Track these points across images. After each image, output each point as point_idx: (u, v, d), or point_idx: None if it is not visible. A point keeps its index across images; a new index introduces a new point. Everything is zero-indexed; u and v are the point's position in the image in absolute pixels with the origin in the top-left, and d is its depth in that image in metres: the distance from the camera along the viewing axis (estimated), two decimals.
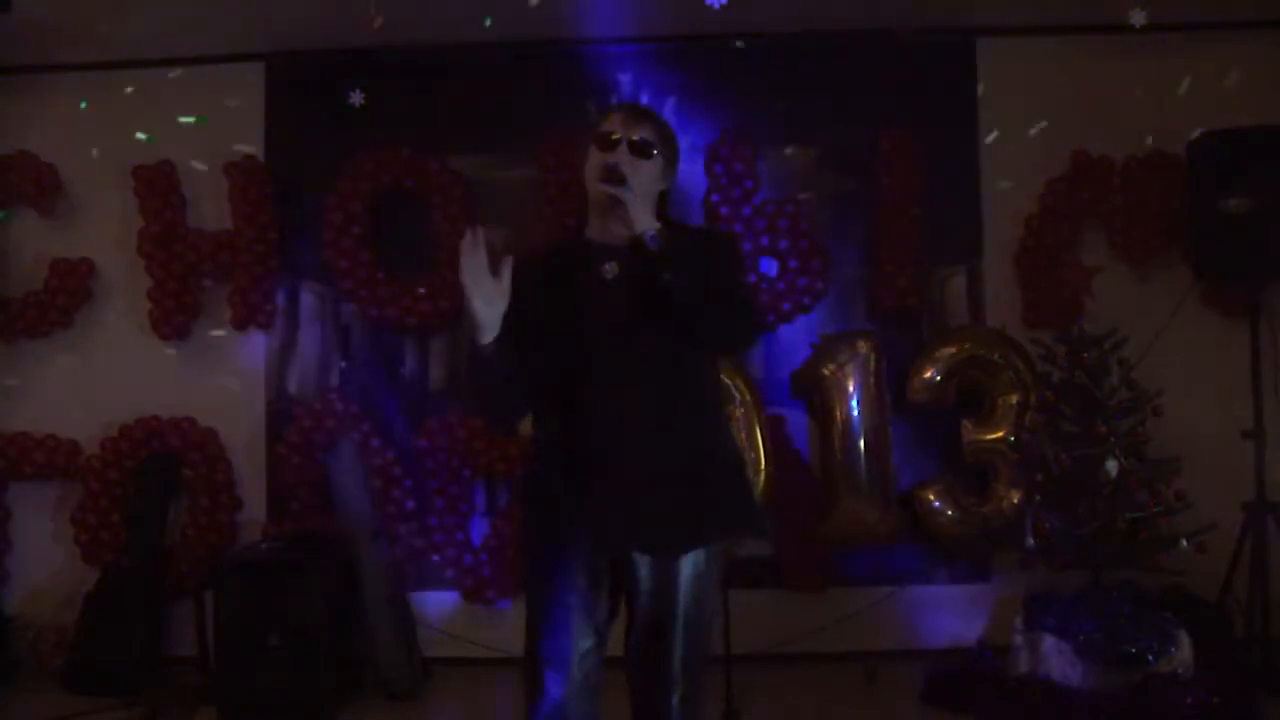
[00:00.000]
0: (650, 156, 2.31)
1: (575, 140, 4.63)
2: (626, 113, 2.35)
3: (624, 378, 2.24)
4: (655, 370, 2.25)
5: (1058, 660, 3.79)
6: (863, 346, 4.48)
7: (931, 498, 4.48)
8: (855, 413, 4.44)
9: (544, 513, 2.33)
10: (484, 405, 2.57)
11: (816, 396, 4.53)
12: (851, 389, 4.45)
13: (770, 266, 4.65)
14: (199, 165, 4.77)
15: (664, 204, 2.39)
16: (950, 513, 4.46)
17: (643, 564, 2.28)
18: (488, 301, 2.17)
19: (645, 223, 2.20)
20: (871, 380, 4.46)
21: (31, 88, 4.82)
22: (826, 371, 4.47)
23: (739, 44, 4.69)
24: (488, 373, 2.25)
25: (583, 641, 2.29)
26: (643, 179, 2.28)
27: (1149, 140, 4.59)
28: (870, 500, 4.45)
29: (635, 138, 2.30)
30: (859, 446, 4.44)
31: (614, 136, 2.29)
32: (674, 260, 2.18)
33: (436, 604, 4.63)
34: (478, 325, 2.18)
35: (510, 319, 2.22)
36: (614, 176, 2.23)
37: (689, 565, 2.28)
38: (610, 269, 2.30)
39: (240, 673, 3.96)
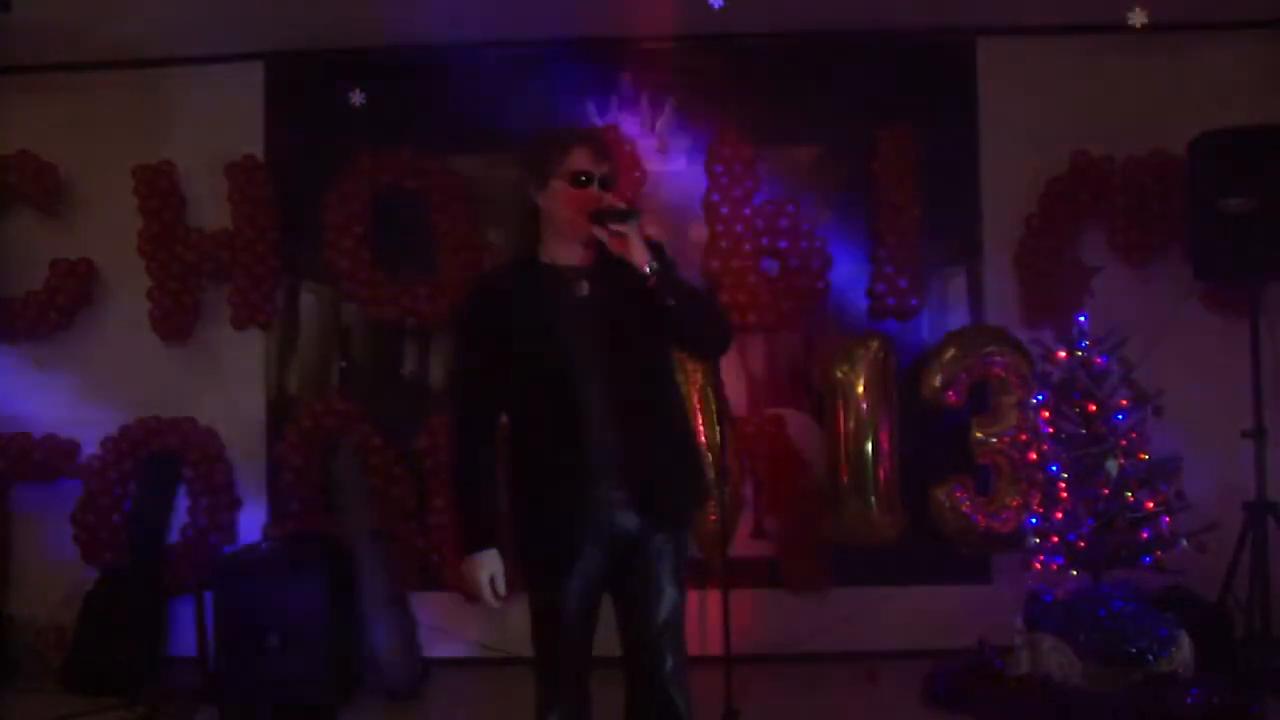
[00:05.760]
0: (614, 189, 2.50)
1: None
2: (593, 148, 2.49)
3: (606, 386, 2.42)
4: (632, 375, 2.45)
5: (1058, 660, 3.79)
6: (875, 347, 4.48)
7: (943, 498, 4.48)
8: (866, 414, 4.44)
9: (547, 522, 2.46)
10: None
11: (827, 397, 4.54)
12: (863, 390, 4.44)
13: (770, 266, 4.66)
14: (199, 165, 4.77)
15: None
16: (960, 512, 4.45)
17: (633, 549, 2.47)
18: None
19: (644, 253, 2.38)
20: (882, 381, 4.46)
21: (31, 88, 4.82)
22: (840, 373, 4.47)
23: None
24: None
25: (588, 644, 2.51)
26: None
27: (1149, 140, 4.59)
28: (878, 501, 4.45)
29: (605, 173, 2.47)
30: (868, 448, 4.44)
31: (588, 175, 2.45)
32: (671, 283, 2.40)
33: (436, 604, 4.63)
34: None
35: (485, 348, 2.47)
36: (620, 214, 2.40)
37: (670, 546, 2.52)
38: (582, 288, 2.47)
39: (240, 673, 3.96)
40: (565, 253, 2.50)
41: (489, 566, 2.46)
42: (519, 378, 2.46)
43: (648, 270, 2.38)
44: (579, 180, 2.44)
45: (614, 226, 2.40)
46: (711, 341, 2.61)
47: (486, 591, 2.46)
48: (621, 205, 2.45)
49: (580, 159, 2.45)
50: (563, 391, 2.41)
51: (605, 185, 2.47)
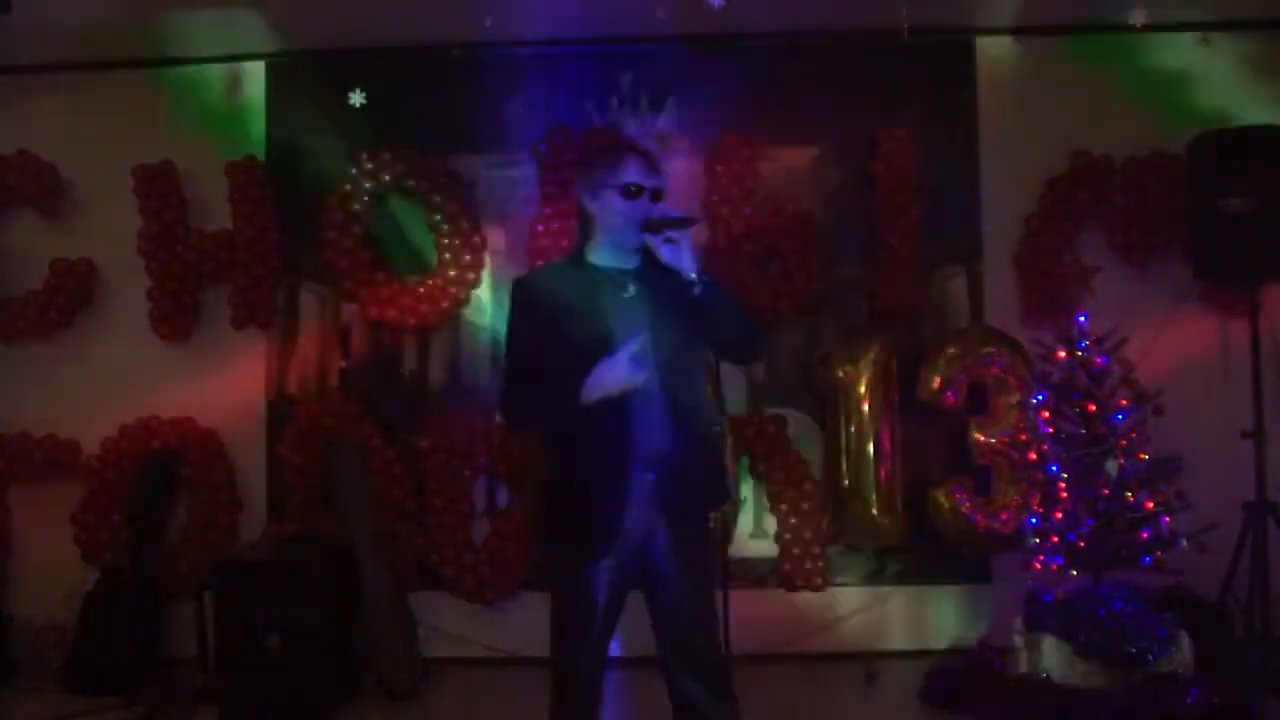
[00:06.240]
0: (662, 201, 2.64)
1: (575, 140, 4.64)
2: (645, 162, 2.64)
3: (650, 384, 2.52)
4: (670, 375, 2.57)
5: (1058, 660, 3.79)
6: (876, 347, 4.48)
7: (942, 499, 4.48)
8: (866, 414, 4.44)
9: (584, 509, 2.54)
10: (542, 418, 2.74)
11: (829, 397, 4.53)
12: (864, 390, 4.45)
13: (770, 267, 4.65)
14: (199, 165, 4.76)
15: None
16: (960, 513, 4.45)
17: (667, 538, 2.59)
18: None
19: (693, 261, 2.55)
20: (883, 381, 4.46)
21: (31, 88, 4.82)
22: (840, 373, 4.47)
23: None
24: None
25: (607, 644, 2.61)
26: None
27: (1149, 140, 4.59)
28: (879, 501, 4.45)
29: (656, 186, 2.62)
30: (869, 448, 4.44)
31: (639, 187, 2.59)
32: (716, 290, 2.56)
33: (436, 604, 4.63)
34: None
35: (533, 339, 2.58)
36: (678, 221, 2.56)
37: (697, 542, 2.67)
38: (629, 290, 2.60)
39: (240, 673, 3.96)
40: (614, 257, 2.65)
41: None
42: (563, 371, 2.53)
43: (695, 277, 2.52)
44: (630, 191, 2.59)
45: (670, 234, 2.54)
46: (746, 348, 2.76)
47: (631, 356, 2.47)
48: (677, 213, 2.60)
49: (633, 171, 2.60)
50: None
51: (655, 198, 2.61)
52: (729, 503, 2.95)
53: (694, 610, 2.64)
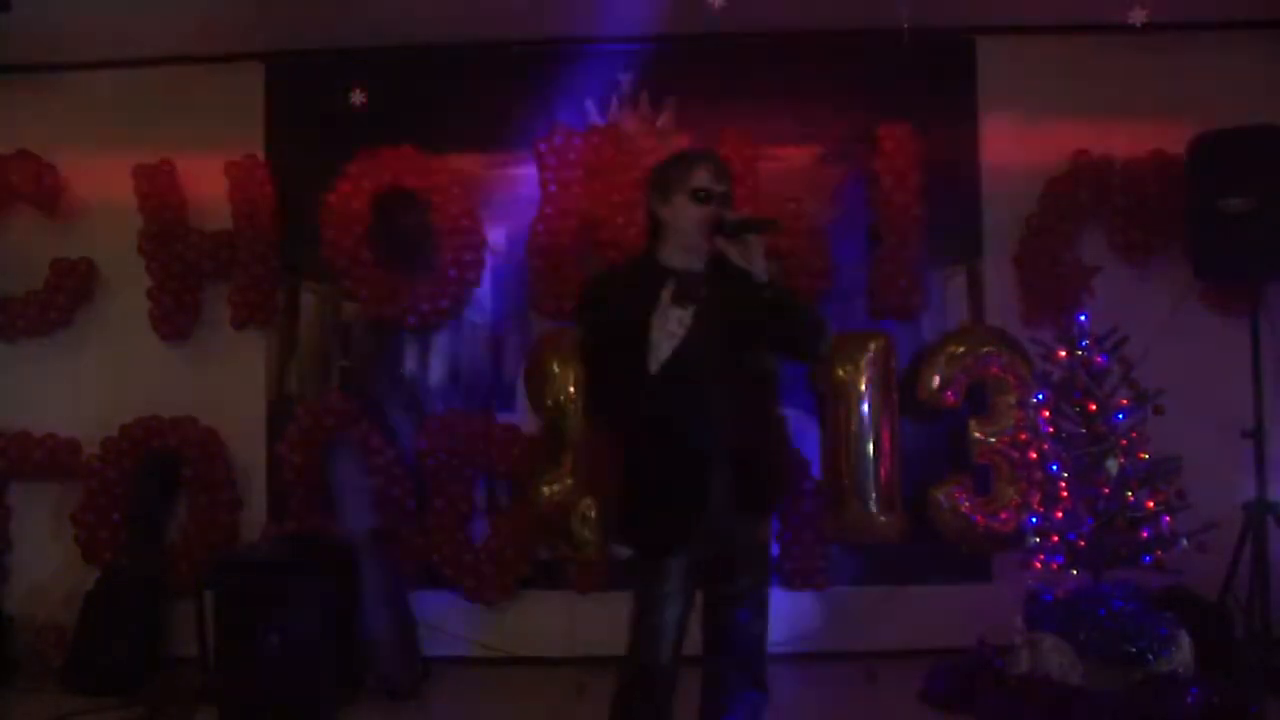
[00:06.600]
0: (731, 206, 2.74)
1: (575, 140, 4.64)
2: (714, 168, 2.71)
3: (719, 382, 2.60)
4: (741, 373, 2.65)
5: (1058, 660, 3.79)
6: (876, 347, 4.48)
7: (942, 499, 4.47)
8: (866, 413, 4.44)
9: (661, 502, 2.63)
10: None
11: (829, 396, 4.53)
12: (864, 389, 4.45)
13: (770, 266, 4.64)
14: (199, 165, 4.76)
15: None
16: (960, 513, 4.45)
17: (734, 531, 2.67)
18: None
19: (764, 263, 2.62)
20: (883, 381, 4.46)
21: (31, 88, 4.82)
22: (841, 373, 4.47)
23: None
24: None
25: (683, 640, 2.65)
26: None
27: (1149, 140, 4.59)
28: (879, 501, 4.45)
29: (724, 191, 2.69)
30: (868, 447, 4.44)
31: (708, 192, 2.65)
32: (785, 291, 2.70)
33: (436, 604, 4.63)
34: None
35: (608, 335, 2.64)
36: (757, 225, 2.65)
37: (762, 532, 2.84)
38: (700, 291, 2.63)
39: (240, 673, 3.95)
40: (683, 259, 2.70)
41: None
42: (635, 362, 2.57)
43: (767, 279, 2.60)
44: (699, 197, 2.65)
45: (744, 236, 2.60)
46: (814, 347, 2.81)
47: None
48: (755, 216, 2.73)
49: (701, 177, 2.66)
50: (676, 384, 2.56)
51: (724, 203, 2.68)
52: (791, 493, 3.02)
53: (759, 604, 2.74)
